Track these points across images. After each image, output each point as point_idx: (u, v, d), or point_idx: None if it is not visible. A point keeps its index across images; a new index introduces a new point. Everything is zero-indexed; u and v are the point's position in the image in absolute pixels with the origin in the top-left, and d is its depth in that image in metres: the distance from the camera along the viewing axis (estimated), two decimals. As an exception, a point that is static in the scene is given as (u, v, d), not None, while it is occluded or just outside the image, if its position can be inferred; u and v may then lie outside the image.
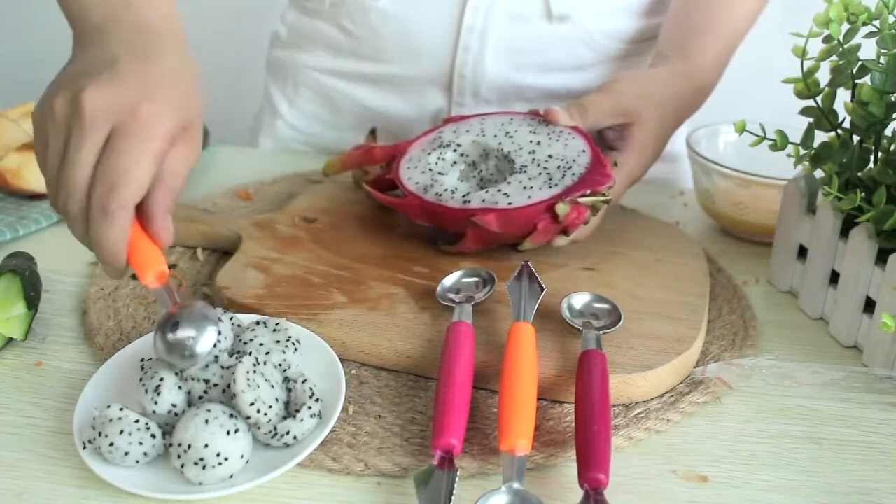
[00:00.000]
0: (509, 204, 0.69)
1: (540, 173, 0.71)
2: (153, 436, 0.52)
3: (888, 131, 0.68)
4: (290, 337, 0.59)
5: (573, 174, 0.70)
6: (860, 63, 0.67)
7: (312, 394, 0.55)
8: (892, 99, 0.66)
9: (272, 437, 0.53)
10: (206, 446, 0.50)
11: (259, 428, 0.53)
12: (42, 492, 0.52)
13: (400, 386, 0.62)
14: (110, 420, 0.52)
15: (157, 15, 0.60)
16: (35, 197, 0.86)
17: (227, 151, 1.02)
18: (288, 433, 0.53)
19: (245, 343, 0.58)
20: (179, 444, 0.51)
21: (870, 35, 0.67)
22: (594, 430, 0.53)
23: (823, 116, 0.71)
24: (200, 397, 0.54)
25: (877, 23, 0.67)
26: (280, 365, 0.57)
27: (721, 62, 0.84)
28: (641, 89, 0.78)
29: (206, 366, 0.55)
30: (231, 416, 0.52)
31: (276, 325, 0.59)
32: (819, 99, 0.71)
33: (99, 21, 0.59)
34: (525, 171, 0.72)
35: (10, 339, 0.65)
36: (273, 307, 0.66)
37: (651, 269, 0.74)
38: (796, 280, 0.76)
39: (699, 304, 0.69)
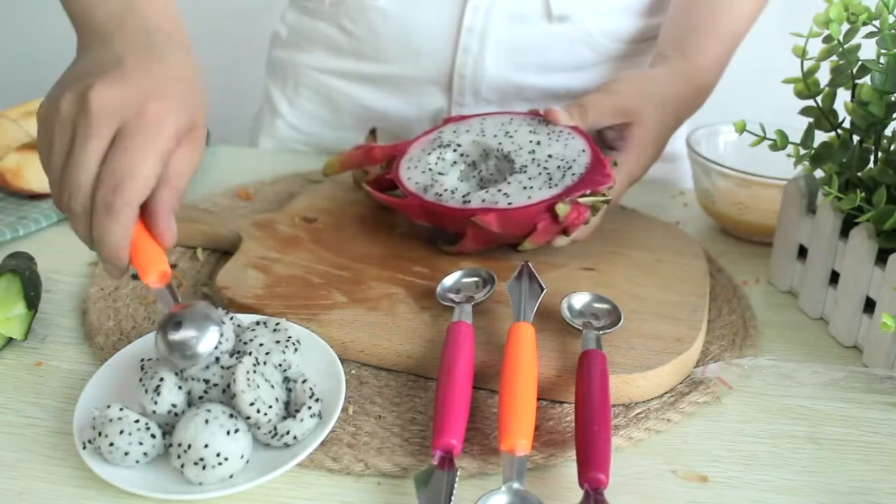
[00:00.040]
0: (509, 204, 0.69)
1: (540, 173, 0.71)
2: (153, 436, 0.52)
3: (888, 131, 0.68)
4: (290, 337, 0.59)
5: (573, 174, 0.70)
6: (860, 63, 0.67)
7: (312, 394, 0.55)
8: (892, 99, 0.66)
9: (272, 437, 0.53)
10: (206, 446, 0.50)
11: (259, 428, 0.53)
12: (42, 492, 0.52)
13: (400, 386, 0.62)
14: (110, 420, 0.52)
15: (161, 16, 0.60)
16: (35, 197, 0.85)
17: (227, 151, 1.02)
18: (288, 433, 0.53)
19: (245, 343, 0.58)
20: (179, 444, 0.51)
21: (870, 35, 0.67)
22: (594, 430, 0.53)
23: (823, 116, 0.71)
24: (200, 397, 0.54)
25: (877, 23, 0.67)
26: (280, 365, 0.57)
27: (721, 62, 0.84)
28: (641, 89, 0.78)
29: (207, 366, 0.55)
30: (231, 416, 0.52)
31: (276, 325, 0.59)
32: (819, 99, 0.71)
33: (102, 21, 0.59)
34: (525, 171, 0.72)
35: (10, 339, 0.65)
36: (273, 307, 0.66)
37: (651, 269, 0.74)
38: (796, 280, 0.76)
39: (699, 304, 0.69)
